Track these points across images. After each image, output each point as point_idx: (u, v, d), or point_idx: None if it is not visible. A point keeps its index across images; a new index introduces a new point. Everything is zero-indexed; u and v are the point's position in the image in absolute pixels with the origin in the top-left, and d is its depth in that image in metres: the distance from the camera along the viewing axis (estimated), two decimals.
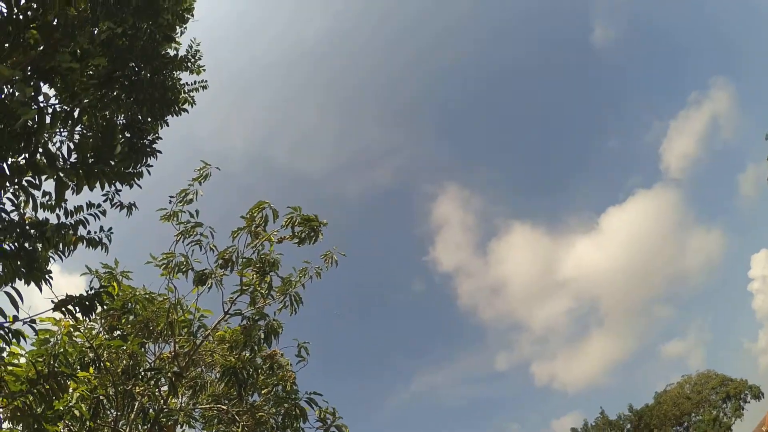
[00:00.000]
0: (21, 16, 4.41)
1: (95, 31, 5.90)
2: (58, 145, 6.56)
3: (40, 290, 4.88)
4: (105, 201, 7.00)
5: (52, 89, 5.53)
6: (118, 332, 8.57)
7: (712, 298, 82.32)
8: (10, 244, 4.82)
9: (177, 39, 7.55)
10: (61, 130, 6.00)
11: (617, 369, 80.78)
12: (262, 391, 9.43)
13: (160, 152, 7.73)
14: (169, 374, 7.56)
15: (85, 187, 5.66)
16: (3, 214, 4.90)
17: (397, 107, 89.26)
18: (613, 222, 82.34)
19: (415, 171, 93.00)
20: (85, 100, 6.01)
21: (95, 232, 6.47)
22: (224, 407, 9.00)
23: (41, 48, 4.65)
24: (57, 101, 5.58)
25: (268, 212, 10.18)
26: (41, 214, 5.76)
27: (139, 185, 7.51)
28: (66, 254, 5.89)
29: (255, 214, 10.15)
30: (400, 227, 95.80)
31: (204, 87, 8.70)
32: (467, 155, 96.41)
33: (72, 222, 6.01)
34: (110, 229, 6.65)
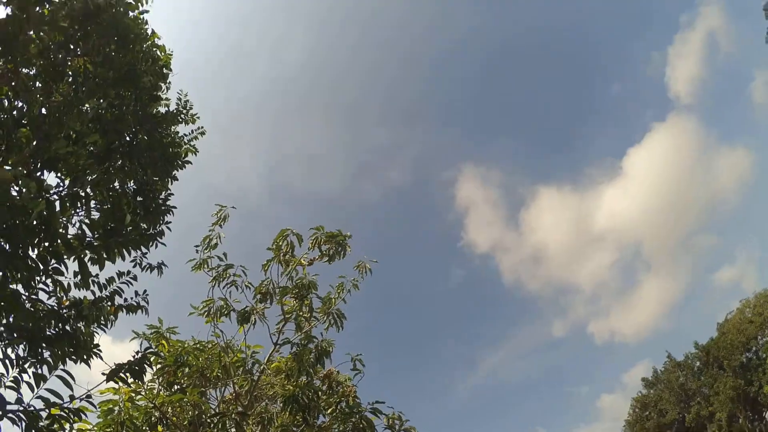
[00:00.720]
0: (6, 116, 4.63)
1: (84, 109, 6.13)
2: (78, 225, 6.84)
3: (89, 366, 5.10)
4: (134, 267, 7.26)
5: (58, 175, 5.78)
6: (177, 386, 8.86)
7: (752, 216, 78.89)
8: (52, 330, 5.04)
9: (163, 96, 7.76)
10: (77, 211, 6.23)
11: (675, 309, 78.42)
12: (327, 411, 9.57)
13: (174, 208, 7.95)
14: (234, 415, 7.76)
15: (116, 257, 5.94)
16: (40, 303, 5.13)
17: (399, 104, 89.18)
18: (636, 163, 79.79)
19: (429, 161, 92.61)
20: (91, 178, 6.25)
21: (131, 298, 6.71)
22: None
23: (35, 143, 4.86)
24: (64, 187, 5.80)
25: (292, 238, 10.36)
26: (78, 293, 6.03)
27: (163, 243, 7.75)
28: (108, 326, 6.11)
29: (280, 243, 10.34)
30: (428, 219, 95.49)
31: (202, 134, 8.91)
32: (475, 132, 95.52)
33: (107, 294, 6.25)
34: (145, 291, 6.87)
